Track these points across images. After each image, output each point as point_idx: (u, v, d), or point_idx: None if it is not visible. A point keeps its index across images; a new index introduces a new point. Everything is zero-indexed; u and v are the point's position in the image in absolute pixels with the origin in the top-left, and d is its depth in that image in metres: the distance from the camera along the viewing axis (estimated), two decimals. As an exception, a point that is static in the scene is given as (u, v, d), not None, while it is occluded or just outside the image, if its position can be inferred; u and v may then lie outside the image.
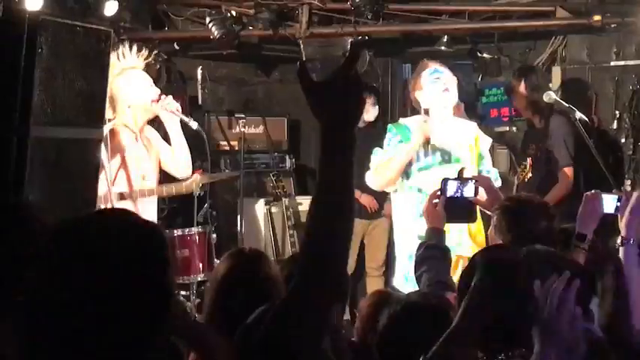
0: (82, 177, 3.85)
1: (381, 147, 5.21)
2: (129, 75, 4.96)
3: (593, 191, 3.56)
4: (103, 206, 4.44)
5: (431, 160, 4.88)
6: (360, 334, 3.45)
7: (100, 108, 3.93)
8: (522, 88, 6.00)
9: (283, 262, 4.97)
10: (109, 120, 4.79)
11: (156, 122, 5.24)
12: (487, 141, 5.10)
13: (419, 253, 3.61)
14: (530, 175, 5.60)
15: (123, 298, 1.46)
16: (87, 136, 3.86)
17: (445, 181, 3.75)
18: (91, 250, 1.49)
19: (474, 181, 3.83)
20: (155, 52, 7.30)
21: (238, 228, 7.28)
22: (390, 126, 5.12)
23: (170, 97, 5.08)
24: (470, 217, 4.00)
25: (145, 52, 5.12)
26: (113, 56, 4.84)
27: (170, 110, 5.02)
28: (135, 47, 5.08)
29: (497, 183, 4.74)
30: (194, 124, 5.17)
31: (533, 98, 5.90)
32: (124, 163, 4.86)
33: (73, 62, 3.73)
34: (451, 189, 3.72)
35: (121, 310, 1.46)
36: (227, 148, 7.79)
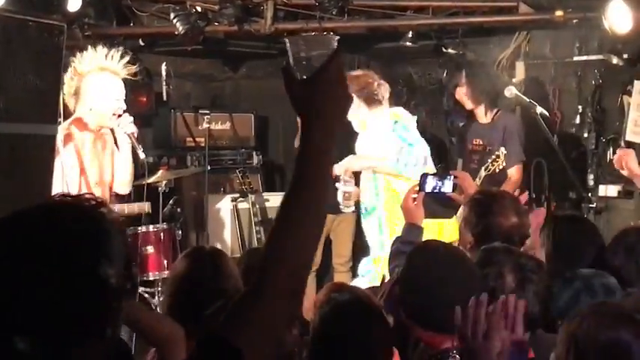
0: (36, 173, 3.83)
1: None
2: (105, 77, 4.86)
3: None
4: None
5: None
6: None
7: (53, 103, 3.90)
8: (464, 79, 6.06)
9: (240, 257, 4.98)
10: (66, 114, 4.73)
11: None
12: (411, 119, 5.62)
13: (394, 247, 3.64)
14: (502, 166, 5.58)
15: (54, 288, 1.44)
16: (40, 131, 3.84)
17: (424, 176, 3.77)
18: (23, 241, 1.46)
19: (452, 177, 3.85)
20: (120, 48, 7.35)
21: (205, 225, 7.27)
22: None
23: (130, 118, 4.96)
24: (447, 213, 4.03)
25: (133, 68, 5.05)
26: (101, 53, 4.81)
27: (124, 132, 4.92)
28: (127, 57, 5.01)
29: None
30: (142, 155, 5.04)
31: (476, 93, 5.89)
32: (80, 162, 4.80)
33: (26, 57, 3.71)
34: (429, 185, 3.74)
35: (53, 301, 1.44)
36: (193, 144, 7.76)
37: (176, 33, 6.94)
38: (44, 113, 3.85)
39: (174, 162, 7.59)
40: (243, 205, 7.43)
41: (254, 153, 8.10)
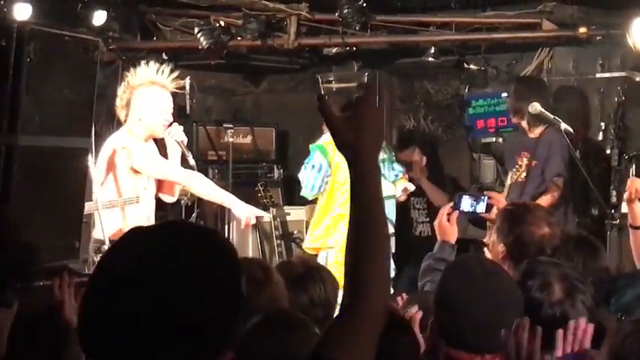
0: (70, 185, 3.86)
1: None
2: (154, 91, 5.00)
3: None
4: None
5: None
6: None
7: (87, 117, 3.94)
8: (512, 93, 6.03)
9: (278, 267, 5.03)
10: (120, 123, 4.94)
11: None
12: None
13: (426, 264, 3.65)
14: (524, 175, 5.61)
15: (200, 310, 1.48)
16: (75, 145, 3.88)
17: (460, 195, 3.82)
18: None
19: (486, 198, 3.89)
20: (143, 62, 7.39)
21: (226, 237, 7.28)
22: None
23: (181, 127, 5.14)
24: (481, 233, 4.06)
25: (181, 82, 5.23)
26: (152, 68, 4.98)
27: (175, 140, 5.09)
28: (176, 73, 5.14)
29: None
30: (192, 161, 5.17)
31: (518, 106, 5.89)
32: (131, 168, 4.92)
33: (61, 72, 3.75)
34: (465, 204, 3.79)
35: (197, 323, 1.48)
36: (215, 158, 7.79)
37: (200, 47, 7.00)
38: (78, 127, 3.89)
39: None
40: (264, 219, 7.44)
41: (275, 167, 8.13)
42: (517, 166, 5.53)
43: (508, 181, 5.48)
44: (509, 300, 2.56)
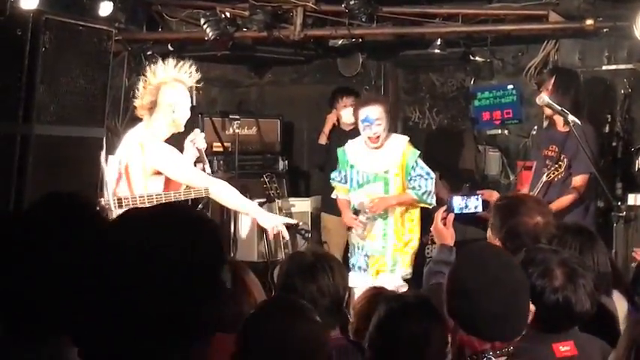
0: (84, 174, 3.87)
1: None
2: (180, 88, 4.96)
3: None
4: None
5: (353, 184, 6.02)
6: (355, 330, 3.48)
7: (101, 107, 3.95)
8: (550, 86, 5.82)
9: (282, 260, 5.06)
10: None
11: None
12: (414, 153, 5.93)
13: (427, 268, 3.68)
14: (562, 175, 5.56)
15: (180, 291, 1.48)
16: (89, 134, 3.89)
17: (451, 198, 3.82)
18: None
19: (480, 196, 3.89)
20: (149, 52, 7.39)
21: (232, 229, 7.29)
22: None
23: (202, 134, 5.13)
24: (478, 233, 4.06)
25: (197, 76, 5.14)
26: (170, 64, 4.93)
27: (197, 147, 5.07)
28: (193, 68, 5.09)
29: (431, 181, 5.80)
30: (209, 169, 5.16)
31: (558, 100, 5.67)
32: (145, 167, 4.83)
33: (76, 61, 3.76)
34: (457, 205, 3.78)
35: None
36: (220, 149, 7.79)
37: (206, 39, 6.99)
38: (92, 117, 3.90)
39: (201, 166, 7.61)
40: (269, 210, 7.45)
41: (280, 158, 8.13)
42: (557, 165, 5.47)
43: (544, 178, 5.42)
44: (520, 288, 2.58)
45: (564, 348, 2.75)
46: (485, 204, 3.93)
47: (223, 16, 7.08)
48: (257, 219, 5.16)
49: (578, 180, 5.67)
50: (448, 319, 2.62)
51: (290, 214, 7.62)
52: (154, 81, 4.88)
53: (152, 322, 1.46)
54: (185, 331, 1.49)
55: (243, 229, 7.43)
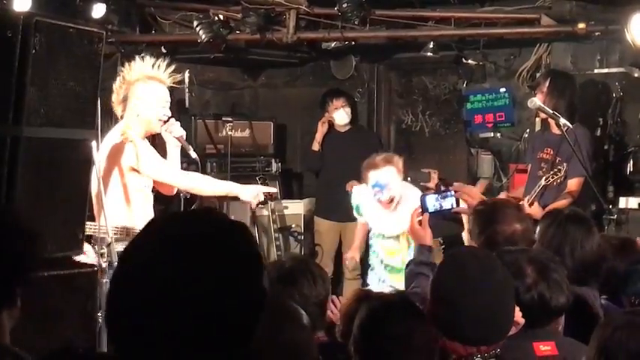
0: (75, 177, 3.87)
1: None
2: (151, 85, 4.94)
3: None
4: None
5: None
6: (342, 331, 3.48)
7: (92, 109, 3.94)
8: (545, 89, 5.79)
9: (269, 265, 5.05)
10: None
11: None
12: None
13: (408, 270, 3.68)
14: (560, 180, 5.50)
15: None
16: (79, 137, 3.88)
17: (423, 197, 3.81)
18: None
19: (452, 192, 3.88)
20: (142, 55, 7.39)
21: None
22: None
23: (177, 123, 5.10)
24: (455, 228, 4.05)
25: (178, 76, 5.13)
26: (148, 62, 4.94)
27: (174, 136, 5.06)
28: (173, 67, 5.08)
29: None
30: (194, 154, 5.18)
31: (553, 102, 5.68)
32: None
33: (66, 63, 3.74)
34: (431, 205, 3.77)
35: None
36: (214, 151, 7.79)
37: (199, 41, 7.00)
38: (83, 119, 3.88)
39: (194, 169, 7.61)
40: (262, 212, 7.47)
41: (273, 160, 8.14)
42: (556, 169, 5.45)
43: (542, 182, 5.39)
44: (504, 291, 2.57)
45: (545, 347, 2.78)
46: (457, 201, 3.91)
47: (216, 18, 7.08)
48: (239, 195, 5.20)
49: (574, 184, 5.65)
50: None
51: (283, 217, 7.64)
52: (129, 77, 4.91)
53: (199, 331, 1.44)
54: (232, 340, 1.49)
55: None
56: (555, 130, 5.76)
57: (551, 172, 5.34)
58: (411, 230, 3.77)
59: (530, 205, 5.34)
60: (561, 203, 5.55)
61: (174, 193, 5.42)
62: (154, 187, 5.19)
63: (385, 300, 2.77)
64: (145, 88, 4.92)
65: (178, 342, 1.43)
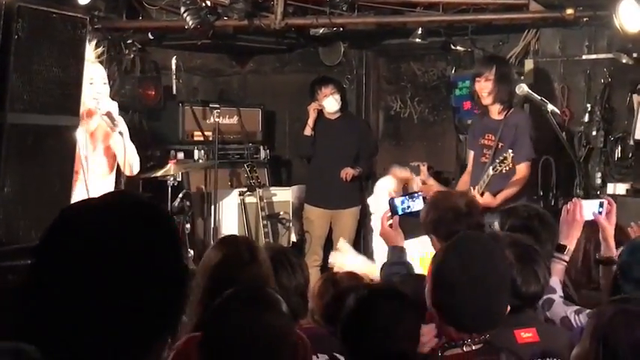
0: (59, 164, 3.85)
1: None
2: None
3: (574, 200, 3.56)
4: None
5: None
6: (311, 310, 3.47)
7: (76, 95, 3.92)
8: (492, 76, 5.83)
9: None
10: None
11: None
12: None
13: (384, 273, 3.71)
14: (508, 168, 5.50)
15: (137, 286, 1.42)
16: (63, 123, 3.86)
17: (392, 200, 3.88)
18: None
19: (420, 194, 3.95)
20: (129, 41, 7.36)
21: (212, 218, 7.29)
22: None
23: (108, 99, 4.88)
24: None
25: (99, 51, 5.00)
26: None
27: (101, 114, 4.80)
28: (94, 41, 4.96)
29: None
30: (123, 127, 4.93)
31: (499, 89, 5.77)
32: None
33: (49, 49, 3.72)
34: (400, 207, 3.85)
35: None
36: (201, 138, 7.77)
37: (186, 27, 6.94)
38: (67, 105, 3.87)
39: (182, 156, 7.60)
40: (250, 200, 7.45)
41: (261, 147, 8.13)
42: (502, 158, 5.46)
43: (490, 172, 5.38)
44: (503, 283, 2.58)
45: (526, 334, 2.79)
46: (425, 200, 3.98)
47: (204, 4, 7.03)
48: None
49: (522, 169, 5.69)
50: (430, 309, 2.62)
51: (271, 204, 7.63)
52: None
53: (117, 314, 1.40)
54: (155, 324, 1.44)
55: (224, 217, 7.43)
56: (494, 116, 5.84)
57: (498, 161, 5.30)
58: (382, 232, 3.85)
59: (482, 195, 5.37)
60: (512, 190, 5.56)
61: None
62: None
63: (372, 288, 2.78)
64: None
65: (100, 330, 1.39)
